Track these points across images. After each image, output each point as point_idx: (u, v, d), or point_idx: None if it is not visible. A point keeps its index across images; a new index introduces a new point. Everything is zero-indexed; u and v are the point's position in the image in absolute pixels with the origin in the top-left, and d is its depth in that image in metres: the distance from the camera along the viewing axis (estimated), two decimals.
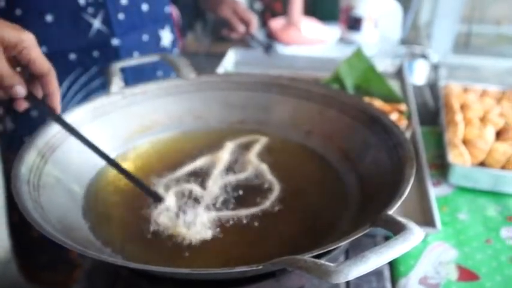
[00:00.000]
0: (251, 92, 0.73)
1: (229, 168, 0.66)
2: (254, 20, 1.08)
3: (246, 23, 1.08)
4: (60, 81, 0.90)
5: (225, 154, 0.68)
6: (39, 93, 0.59)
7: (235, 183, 0.63)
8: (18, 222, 0.97)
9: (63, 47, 0.88)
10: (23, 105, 0.58)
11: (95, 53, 0.90)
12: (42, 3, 0.83)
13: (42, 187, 0.54)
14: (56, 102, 0.59)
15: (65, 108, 0.68)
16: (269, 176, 0.64)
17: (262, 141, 0.71)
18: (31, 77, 0.58)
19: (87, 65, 0.90)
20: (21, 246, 1.11)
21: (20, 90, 0.56)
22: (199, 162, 0.66)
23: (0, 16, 0.81)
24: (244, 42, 1.15)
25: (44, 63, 0.57)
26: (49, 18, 0.84)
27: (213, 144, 0.70)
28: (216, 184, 0.62)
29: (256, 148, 0.69)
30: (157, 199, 0.58)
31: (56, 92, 0.59)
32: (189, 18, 3.05)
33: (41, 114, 0.61)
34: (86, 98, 0.90)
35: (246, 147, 0.70)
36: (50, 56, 0.88)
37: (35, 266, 1.10)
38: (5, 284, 1.62)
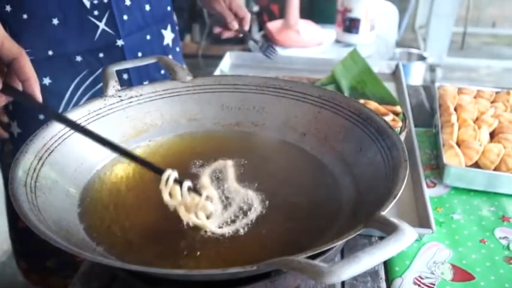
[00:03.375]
0: (246, 94, 0.73)
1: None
2: (248, 17, 1.08)
3: (240, 19, 1.07)
4: (67, 84, 0.92)
5: (211, 190, 0.61)
6: (18, 85, 0.57)
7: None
8: (27, 226, 0.98)
9: (69, 49, 0.88)
10: (1, 100, 0.56)
11: (101, 55, 0.91)
12: (49, 7, 0.84)
13: (39, 189, 0.54)
14: (35, 88, 0.56)
15: None
16: (257, 203, 0.61)
17: (229, 165, 0.66)
18: (8, 69, 0.56)
19: (93, 66, 0.91)
20: (29, 251, 1.11)
21: None
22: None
23: (6, 20, 0.82)
24: (242, 41, 1.13)
25: (12, 45, 0.55)
26: (55, 21, 0.84)
27: (208, 148, 0.70)
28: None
29: (230, 174, 0.64)
30: (159, 172, 0.55)
31: (32, 77, 0.56)
32: (186, 21, 3.06)
33: (24, 104, 0.58)
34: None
35: (219, 173, 0.66)
36: (56, 58, 0.89)
37: (43, 270, 1.10)
38: (4, 284, 1.63)
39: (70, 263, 1.01)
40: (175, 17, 1.08)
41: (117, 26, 0.89)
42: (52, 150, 0.60)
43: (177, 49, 1.07)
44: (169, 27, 1.03)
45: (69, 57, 0.89)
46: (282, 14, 1.95)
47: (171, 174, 0.54)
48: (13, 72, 0.56)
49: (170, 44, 1.03)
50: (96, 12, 0.87)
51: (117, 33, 0.90)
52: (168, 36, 1.03)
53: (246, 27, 1.08)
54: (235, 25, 1.05)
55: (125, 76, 0.95)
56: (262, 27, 2.51)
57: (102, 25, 0.88)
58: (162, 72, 1.02)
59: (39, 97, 0.57)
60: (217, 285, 0.46)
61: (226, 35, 1.09)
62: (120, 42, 0.91)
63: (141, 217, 0.60)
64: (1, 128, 0.98)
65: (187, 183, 0.54)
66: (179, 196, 0.55)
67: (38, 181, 0.55)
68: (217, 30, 1.10)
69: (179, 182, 0.54)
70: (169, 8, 1.02)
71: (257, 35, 2.03)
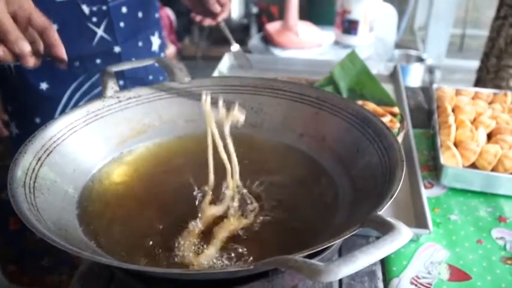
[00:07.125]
0: (245, 95, 0.74)
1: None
2: (228, 3, 1.07)
3: (220, 4, 1.07)
4: (64, 88, 0.92)
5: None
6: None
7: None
8: (21, 227, 0.99)
9: (68, 55, 0.89)
10: (31, 61, 0.60)
11: (98, 60, 0.92)
12: (49, 13, 0.85)
13: (37, 189, 0.55)
14: (62, 51, 0.62)
15: None
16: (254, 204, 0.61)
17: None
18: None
19: (91, 72, 0.92)
20: (21, 253, 1.11)
21: (25, 44, 0.57)
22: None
23: None
24: (241, 42, 1.11)
25: (41, 16, 0.59)
26: (55, 27, 0.85)
27: (207, 149, 0.71)
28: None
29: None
30: None
31: (58, 42, 0.61)
32: (185, 23, 3.07)
33: (52, 64, 0.64)
34: None
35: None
36: (55, 63, 0.90)
37: (37, 270, 1.10)
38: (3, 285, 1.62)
39: (67, 260, 1.01)
40: (172, 22, 1.09)
41: (114, 32, 0.91)
42: (51, 151, 0.60)
43: (162, 54, 1.09)
44: (156, 33, 1.05)
45: (68, 63, 0.90)
46: (281, 16, 1.95)
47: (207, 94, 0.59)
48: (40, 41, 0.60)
49: (157, 50, 1.06)
50: (94, 19, 0.88)
51: (114, 39, 0.91)
52: (156, 42, 1.05)
53: (225, 13, 1.08)
54: (217, 8, 1.04)
55: (121, 82, 0.96)
56: (261, 28, 2.52)
57: (100, 32, 0.89)
58: (151, 77, 1.04)
59: (65, 57, 0.64)
60: (215, 284, 0.47)
61: (208, 22, 1.08)
62: (117, 49, 0.92)
63: (140, 218, 0.60)
64: (2, 126, 0.98)
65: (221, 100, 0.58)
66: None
67: (37, 181, 0.56)
68: (198, 18, 1.09)
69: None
70: (157, 15, 1.04)
71: (256, 37, 2.03)
